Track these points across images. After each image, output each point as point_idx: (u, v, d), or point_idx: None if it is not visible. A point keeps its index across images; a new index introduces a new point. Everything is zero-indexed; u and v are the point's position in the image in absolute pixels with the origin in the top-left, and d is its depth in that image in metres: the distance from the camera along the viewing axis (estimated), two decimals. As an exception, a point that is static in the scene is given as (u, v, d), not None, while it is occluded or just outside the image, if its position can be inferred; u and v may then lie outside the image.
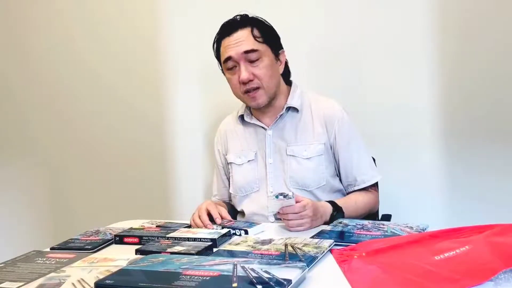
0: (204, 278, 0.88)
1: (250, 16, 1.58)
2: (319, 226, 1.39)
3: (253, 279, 0.86)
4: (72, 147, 2.44)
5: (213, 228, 1.38)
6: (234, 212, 1.71)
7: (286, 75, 1.67)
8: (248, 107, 1.68)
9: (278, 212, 1.38)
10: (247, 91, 1.55)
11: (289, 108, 1.62)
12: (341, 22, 1.99)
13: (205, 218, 1.44)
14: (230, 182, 1.71)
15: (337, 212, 1.46)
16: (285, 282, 0.85)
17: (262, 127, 1.65)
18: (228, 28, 1.56)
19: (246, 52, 1.52)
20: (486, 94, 1.86)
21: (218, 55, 1.62)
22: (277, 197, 1.35)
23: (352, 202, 1.55)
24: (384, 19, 1.94)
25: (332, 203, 1.48)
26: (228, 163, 1.72)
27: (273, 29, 1.62)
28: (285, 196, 1.34)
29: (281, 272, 0.89)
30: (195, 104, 2.21)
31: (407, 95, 1.95)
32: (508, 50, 1.83)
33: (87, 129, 2.41)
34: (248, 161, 1.65)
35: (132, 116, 2.32)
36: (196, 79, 2.20)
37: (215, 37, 1.61)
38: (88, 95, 2.38)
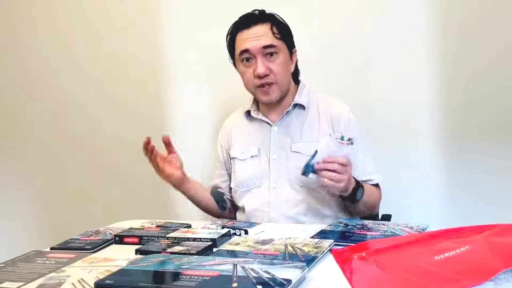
0: (204, 278, 0.88)
1: (267, 12, 1.58)
2: (344, 193, 1.40)
3: (253, 279, 0.86)
4: (72, 146, 2.44)
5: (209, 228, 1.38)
6: (234, 210, 1.72)
7: (295, 74, 1.67)
8: (256, 103, 1.68)
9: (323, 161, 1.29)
10: (261, 85, 1.55)
11: (295, 105, 1.63)
12: (342, 22, 1.98)
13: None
14: (232, 177, 1.71)
15: (359, 187, 1.45)
16: (285, 282, 0.85)
17: (268, 123, 1.65)
18: (247, 21, 1.55)
19: (265, 47, 1.52)
20: (487, 94, 1.85)
21: (231, 47, 1.61)
22: (342, 138, 1.25)
23: (367, 186, 1.54)
24: (385, 19, 1.94)
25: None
26: (230, 158, 1.72)
27: (289, 27, 1.62)
28: (348, 139, 1.23)
29: (281, 272, 0.89)
30: (196, 104, 2.21)
31: (408, 95, 1.94)
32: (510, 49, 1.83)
33: (87, 129, 2.40)
34: (251, 156, 1.65)
35: (132, 116, 2.31)
36: (197, 80, 2.19)
37: (230, 28, 1.59)
38: (89, 95, 2.37)
